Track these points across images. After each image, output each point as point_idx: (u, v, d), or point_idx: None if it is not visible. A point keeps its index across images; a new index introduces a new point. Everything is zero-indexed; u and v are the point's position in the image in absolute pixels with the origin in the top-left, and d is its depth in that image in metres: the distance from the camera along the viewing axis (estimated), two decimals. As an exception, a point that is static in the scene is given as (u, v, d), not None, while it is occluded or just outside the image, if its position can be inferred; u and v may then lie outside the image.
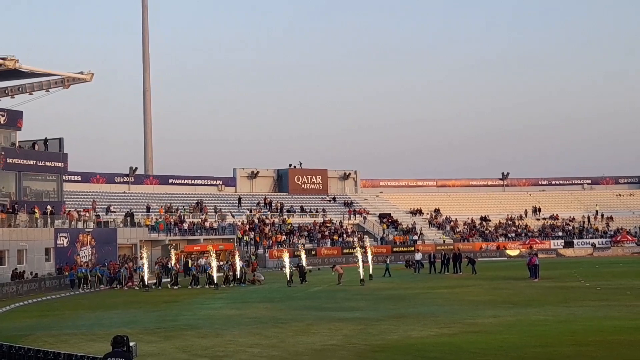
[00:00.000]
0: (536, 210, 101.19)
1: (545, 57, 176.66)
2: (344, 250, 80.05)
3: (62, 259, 57.45)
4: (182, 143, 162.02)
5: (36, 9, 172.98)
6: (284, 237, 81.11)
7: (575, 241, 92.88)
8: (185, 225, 76.41)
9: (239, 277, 53.70)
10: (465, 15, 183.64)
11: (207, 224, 77.69)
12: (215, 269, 52.19)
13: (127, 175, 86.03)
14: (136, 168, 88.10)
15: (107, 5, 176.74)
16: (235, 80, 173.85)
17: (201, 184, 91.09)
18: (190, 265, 61.02)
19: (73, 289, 51.54)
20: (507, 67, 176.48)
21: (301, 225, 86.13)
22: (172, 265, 58.04)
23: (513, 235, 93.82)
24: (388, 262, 61.12)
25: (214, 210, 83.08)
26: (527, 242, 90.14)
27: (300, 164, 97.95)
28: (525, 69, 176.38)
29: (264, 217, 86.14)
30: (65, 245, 58.45)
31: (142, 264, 53.36)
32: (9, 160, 58.05)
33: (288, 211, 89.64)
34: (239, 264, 55.56)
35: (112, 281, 54.93)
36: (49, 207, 59.31)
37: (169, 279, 55.14)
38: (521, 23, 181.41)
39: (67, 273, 54.38)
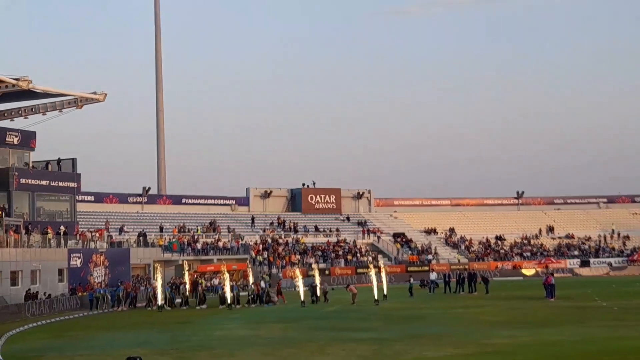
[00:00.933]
0: (550, 230, 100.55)
1: (560, 74, 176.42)
2: (358, 270, 79.65)
3: (75, 280, 57.41)
4: (195, 163, 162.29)
5: (50, 30, 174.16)
6: (298, 256, 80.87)
7: (591, 260, 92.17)
8: (199, 245, 76.31)
9: (262, 297, 53.69)
10: (479, 32, 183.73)
11: (220, 244, 77.60)
12: (228, 288, 52.07)
13: (140, 195, 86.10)
14: (149, 188, 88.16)
15: (121, 26, 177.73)
16: (249, 99, 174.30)
17: (214, 204, 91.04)
18: (205, 285, 60.81)
19: (92, 309, 51.74)
20: (521, 84, 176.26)
21: (315, 244, 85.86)
22: (200, 285, 58.01)
23: (528, 254, 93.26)
24: (412, 281, 60.54)
25: (227, 230, 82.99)
26: (542, 262, 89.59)
27: (314, 183, 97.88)
28: (539, 87, 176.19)
29: (277, 236, 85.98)
30: (79, 265, 58.38)
31: (155, 285, 53.45)
32: (23, 181, 58.21)
33: (301, 231, 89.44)
34: (262, 284, 55.66)
35: (133, 301, 54.91)
36: (62, 227, 59.33)
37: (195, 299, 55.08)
38: (535, 38, 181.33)
39: (84, 293, 54.67)
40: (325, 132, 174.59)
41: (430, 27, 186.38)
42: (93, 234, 64.31)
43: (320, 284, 56.79)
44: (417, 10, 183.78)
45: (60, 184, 61.71)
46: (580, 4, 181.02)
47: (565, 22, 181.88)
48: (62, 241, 58.26)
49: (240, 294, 54.81)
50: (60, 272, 57.00)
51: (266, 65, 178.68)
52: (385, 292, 53.05)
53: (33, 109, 57.82)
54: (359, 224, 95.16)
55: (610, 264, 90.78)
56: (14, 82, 50.09)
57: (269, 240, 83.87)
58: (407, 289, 57.73)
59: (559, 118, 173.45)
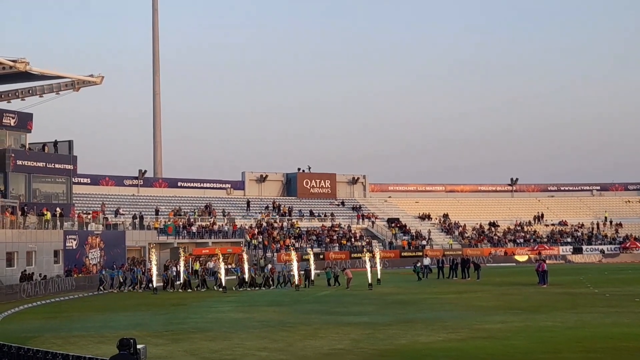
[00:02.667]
0: (540, 218, 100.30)
1: (555, 61, 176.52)
2: (352, 255, 79.94)
3: (70, 261, 57.63)
4: (191, 146, 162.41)
5: (47, 12, 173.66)
6: (293, 240, 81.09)
7: (584, 247, 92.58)
8: (194, 229, 76.47)
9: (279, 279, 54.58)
10: (472, 19, 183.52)
11: (215, 227, 77.78)
12: (223, 272, 52.34)
13: (136, 178, 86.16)
14: (145, 171, 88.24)
15: (118, 9, 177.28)
16: (245, 83, 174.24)
17: (210, 188, 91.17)
18: (198, 268, 60.96)
19: (104, 289, 52.73)
20: (516, 71, 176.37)
21: (309, 229, 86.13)
22: (216, 268, 57.93)
23: (522, 241, 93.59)
24: (419, 265, 60.67)
25: (222, 214, 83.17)
26: (535, 248, 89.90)
27: (309, 168, 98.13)
28: (536, 74, 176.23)
29: (272, 220, 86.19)
30: (74, 247, 58.60)
31: (149, 267, 53.59)
32: (19, 162, 58.29)
33: (295, 215, 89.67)
34: (278, 267, 55.88)
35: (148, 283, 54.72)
36: (58, 209, 59.48)
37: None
38: (530, 25, 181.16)
39: (78, 275, 54.91)
40: (321, 117, 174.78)
41: (426, 10, 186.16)
42: (90, 216, 64.47)
43: (331, 267, 57.58)
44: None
45: (57, 165, 61.81)
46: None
47: (565, 8, 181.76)
48: (58, 223, 58.42)
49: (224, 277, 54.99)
50: (56, 253, 57.22)
51: (263, 51, 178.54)
52: (379, 277, 53.30)
53: (30, 91, 57.89)
54: (354, 209, 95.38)
55: (602, 251, 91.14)
56: (11, 63, 50.15)
57: (264, 224, 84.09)
58: (402, 274, 57.95)
59: (553, 105, 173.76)
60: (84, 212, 66.79)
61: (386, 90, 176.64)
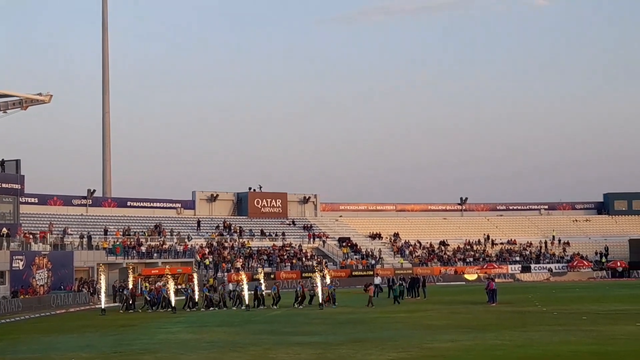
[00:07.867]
0: (487, 239, 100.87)
1: (501, 82, 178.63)
2: (303, 274, 79.75)
3: (17, 282, 56.71)
4: (141, 166, 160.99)
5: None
6: (243, 260, 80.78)
7: (532, 266, 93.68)
8: (143, 249, 75.76)
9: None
10: (421, 38, 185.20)
11: (165, 247, 77.15)
12: (172, 292, 51.81)
13: (84, 197, 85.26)
14: (94, 190, 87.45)
15: (68, 27, 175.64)
16: (195, 102, 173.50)
17: (160, 207, 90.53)
18: (145, 288, 60.21)
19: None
20: (464, 91, 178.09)
21: (260, 248, 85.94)
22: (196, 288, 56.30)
23: (471, 259, 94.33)
24: (399, 284, 58.52)
25: (170, 234, 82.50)
26: (485, 267, 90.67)
27: (260, 187, 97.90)
28: (482, 94, 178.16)
29: (223, 240, 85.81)
30: (21, 268, 57.69)
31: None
32: (-35, 182, 57.43)
33: (246, 234, 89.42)
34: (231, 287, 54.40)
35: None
36: (4, 229, 58.60)
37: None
38: (474, 45, 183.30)
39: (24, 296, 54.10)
40: (271, 136, 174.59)
41: (375, 33, 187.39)
42: (37, 236, 63.60)
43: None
44: (362, 18, 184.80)
45: (4, 185, 61.02)
46: (520, 10, 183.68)
47: (507, 29, 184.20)
48: (5, 243, 57.54)
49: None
50: (2, 274, 56.41)
51: (213, 70, 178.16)
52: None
53: (-24, 110, 57.14)
54: (305, 228, 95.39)
55: (550, 270, 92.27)
56: (-43, 81, 49.48)
57: (215, 244, 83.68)
58: (353, 294, 57.83)
59: (502, 125, 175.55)
60: (31, 232, 65.85)
61: (336, 110, 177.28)
